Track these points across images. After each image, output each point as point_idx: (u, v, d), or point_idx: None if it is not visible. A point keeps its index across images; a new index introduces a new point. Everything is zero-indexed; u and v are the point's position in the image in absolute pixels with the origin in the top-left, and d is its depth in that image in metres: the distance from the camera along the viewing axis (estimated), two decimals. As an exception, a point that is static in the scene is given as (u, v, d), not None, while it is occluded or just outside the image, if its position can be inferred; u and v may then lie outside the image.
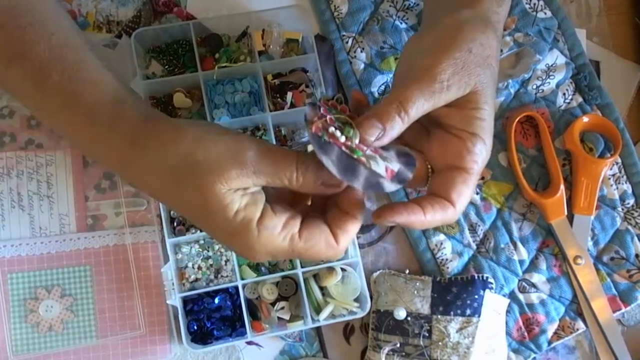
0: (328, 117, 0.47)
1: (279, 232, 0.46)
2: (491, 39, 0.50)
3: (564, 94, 0.74)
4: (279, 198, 0.50)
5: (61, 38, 0.52)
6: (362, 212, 0.48)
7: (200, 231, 0.69)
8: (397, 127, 0.46)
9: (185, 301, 0.68)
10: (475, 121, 0.48)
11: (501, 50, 0.74)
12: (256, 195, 0.47)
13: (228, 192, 0.45)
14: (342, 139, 0.46)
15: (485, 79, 0.48)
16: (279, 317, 0.68)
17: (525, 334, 0.71)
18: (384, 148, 0.48)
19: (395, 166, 0.47)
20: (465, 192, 0.48)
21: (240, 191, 0.46)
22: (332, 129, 0.46)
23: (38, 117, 0.68)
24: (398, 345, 0.67)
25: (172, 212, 0.70)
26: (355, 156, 0.45)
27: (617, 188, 0.73)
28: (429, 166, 0.50)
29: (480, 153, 0.48)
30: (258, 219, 0.46)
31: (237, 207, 0.45)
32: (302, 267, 0.68)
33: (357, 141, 0.46)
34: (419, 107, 0.46)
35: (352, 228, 0.48)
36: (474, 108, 0.48)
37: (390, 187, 0.46)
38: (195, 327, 0.68)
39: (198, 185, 0.45)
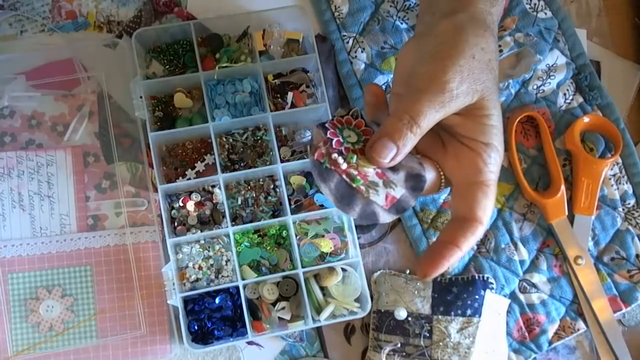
0: (334, 140, 0.46)
1: None
2: (490, 42, 0.49)
3: (565, 94, 0.74)
4: None
5: None
6: None
7: (201, 231, 0.69)
8: (409, 142, 0.45)
9: (186, 301, 0.68)
10: (487, 129, 0.48)
11: (501, 50, 0.74)
12: None
13: None
14: (344, 166, 0.45)
15: (490, 84, 0.48)
16: (279, 317, 0.68)
17: (526, 334, 0.71)
18: (394, 168, 0.46)
19: (399, 192, 0.46)
20: (488, 205, 0.48)
21: None
22: (335, 155, 0.45)
23: None
24: (399, 345, 0.67)
25: (172, 212, 0.70)
26: (354, 185, 0.44)
27: (618, 188, 0.73)
28: (442, 174, 0.49)
29: (495, 162, 0.48)
30: None
31: None
32: (302, 267, 0.68)
33: (357, 165, 0.45)
34: (430, 118, 0.45)
35: None
36: (484, 115, 0.48)
37: (386, 217, 0.45)
38: (196, 327, 0.68)
39: None
